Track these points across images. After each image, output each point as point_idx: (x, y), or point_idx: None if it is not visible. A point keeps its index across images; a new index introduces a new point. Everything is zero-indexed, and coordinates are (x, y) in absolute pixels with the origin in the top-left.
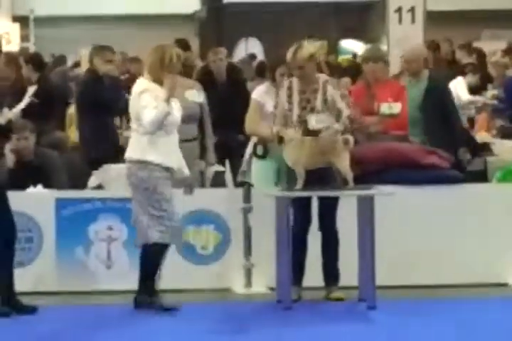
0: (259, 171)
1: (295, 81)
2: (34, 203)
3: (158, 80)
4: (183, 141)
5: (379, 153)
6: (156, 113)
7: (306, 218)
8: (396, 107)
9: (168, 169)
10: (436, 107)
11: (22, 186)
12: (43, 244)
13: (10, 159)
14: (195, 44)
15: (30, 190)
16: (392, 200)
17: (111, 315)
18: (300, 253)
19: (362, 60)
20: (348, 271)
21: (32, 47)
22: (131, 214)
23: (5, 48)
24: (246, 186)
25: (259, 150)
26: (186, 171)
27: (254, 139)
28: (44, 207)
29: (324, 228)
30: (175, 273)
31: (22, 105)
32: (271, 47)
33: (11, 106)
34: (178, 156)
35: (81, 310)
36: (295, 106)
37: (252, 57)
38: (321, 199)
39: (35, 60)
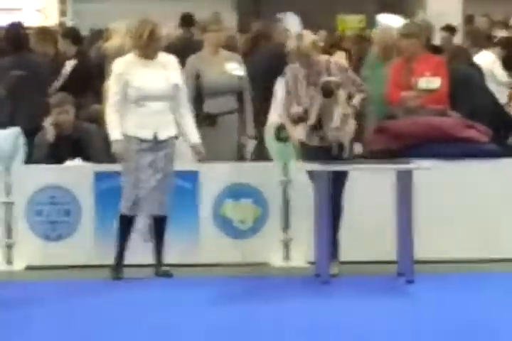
0: (280, 154)
1: (297, 67)
2: (72, 176)
3: (142, 55)
4: (222, 114)
5: (417, 127)
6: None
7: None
8: (434, 82)
9: (142, 140)
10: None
11: (61, 160)
12: (82, 217)
13: (50, 133)
14: (233, 18)
15: (69, 163)
16: (430, 174)
17: (148, 287)
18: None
19: (398, 36)
20: (387, 246)
21: (70, 22)
22: (177, 188)
23: (43, 23)
24: (285, 160)
25: (283, 134)
26: (193, 140)
27: (274, 122)
28: (82, 181)
29: (333, 203)
30: (213, 247)
31: (60, 80)
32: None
33: (50, 81)
34: (156, 126)
35: (117, 284)
36: (303, 88)
37: None
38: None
39: (73, 35)
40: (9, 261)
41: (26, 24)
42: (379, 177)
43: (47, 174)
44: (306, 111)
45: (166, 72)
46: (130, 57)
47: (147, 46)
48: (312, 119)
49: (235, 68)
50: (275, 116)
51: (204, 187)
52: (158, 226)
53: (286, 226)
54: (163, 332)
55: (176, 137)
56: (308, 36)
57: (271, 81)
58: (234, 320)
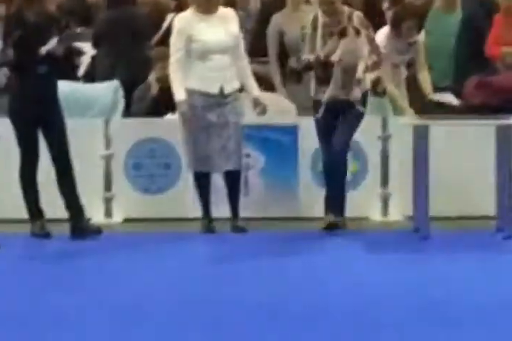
0: (376, 108)
1: (320, 14)
2: (173, 130)
3: (203, 10)
4: None
5: None
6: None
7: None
8: None
9: (207, 94)
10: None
11: (162, 113)
12: (181, 171)
13: (154, 87)
14: None
15: (170, 116)
16: None
17: (249, 242)
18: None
19: None
20: (485, 201)
21: None
22: (267, 142)
23: None
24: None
25: (380, 88)
26: (255, 92)
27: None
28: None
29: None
30: (313, 202)
31: (160, 33)
32: None
33: (150, 35)
34: (222, 80)
35: (219, 237)
36: (318, 37)
37: None
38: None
39: None
40: (108, 214)
41: None
42: (476, 132)
43: (147, 127)
44: (317, 58)
45: (226, 25)
46: (190, 12)
47: (208, 1)
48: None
49: None
50: None
51: (303, 141)
52: (232, 182)
53: (385, 181)
54: (258, 283)
55: (240, 90)
56: None
57: None
58: (331, 272)
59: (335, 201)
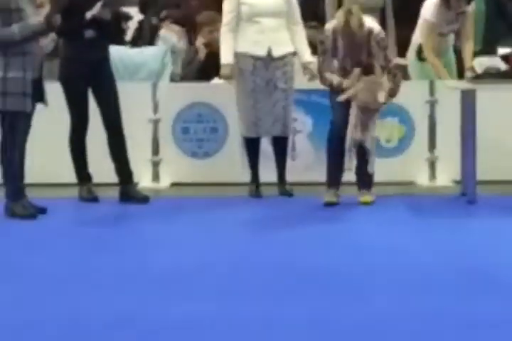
0: (420, 73)
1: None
2: (220, 94)
3: None
4: None
5: None
6: None
7: (345, 117)
8: None
9: (255, 57)
10: None
11: (209, 78)
12: (229, 135)
13: (202, 52)
14: None
15: (217, 81)
16: None
17: (296, 206)
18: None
19: None
20: None
21: None
22: (315, 106)
23: None
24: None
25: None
26: (306, 57)
27: (416, 42)
28: (229, 98)
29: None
30: None
31: None
32: None
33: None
34: (270, 43)
35: (266, 201)
36: (339, 53)
37: None
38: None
39: None
40: (156, 178)
41: None
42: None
43: (194, 92)
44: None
45: None
46: None
47: None
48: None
49: None
50: (419, 35)
51: None
52: (280, 147)
53: (432, 145)
54: (302, 247)
55: (295, 54)
56: (358, 15)
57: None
58: (377, 237)
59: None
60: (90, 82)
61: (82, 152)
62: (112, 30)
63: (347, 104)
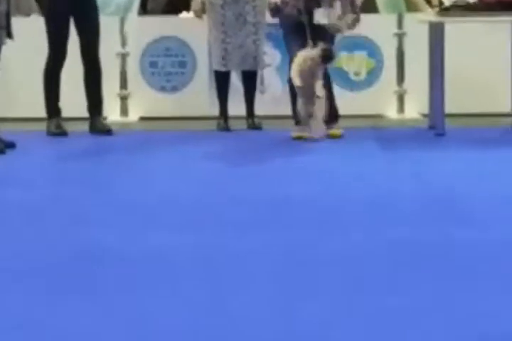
0: (390, 6)
1: None
2: (188, 28)
3: None
4: None
5: None
6: None
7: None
8: None
9: None
10: None
11: (177, 12)
12: (196, 69)
13: None
14: None
15: (184, 15)
16: None
17: (264, 139)
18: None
19: None
20: (501, 99)
21: None
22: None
23: None
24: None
25: None
26: None
27: None
28: (198, 32)
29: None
30: None
31: None
32: None
33: None
34: None
35: (235, 135)
36: None
37: None
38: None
39: None
40: (124, 112)
41: None
42: (491, 29)
43: (163, 25)
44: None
45: None
46: None
47: None
48: None
49: None
50: None
51: None
52: (249, 81)
53: (400, 78)
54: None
55: None
56: None
57: None
58: (344, 168)
59: None
60: (74, 12)
61: (56, 85)
62: None
63: (303, 34)
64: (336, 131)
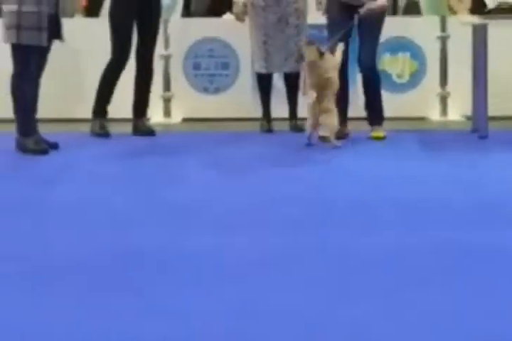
0: (431, 7)
1: None
2: (232, 30)
3: None
4: None
5: None
6: None
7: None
8: None
9: None
10: None
11: (220, 13)
12: (240, 71)
13: None
14: None
15: (227, 16)
16: None
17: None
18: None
19: None
20: None
21: None
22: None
23: None
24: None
25: None
26: None
27: None
28: (241, 33)
29: (363, 67)
30: None
31: None
32: None
33: None
34: None
35: (280, 136)
36: None
37: None
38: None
39: None
40: (167, 114)
41: None
42: None
43: (206, 27)
44: None
45: None
46: None
47: None
48: None
49: None
50: None
51: None
52: (291, 83)
53: (443, 81)
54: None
55: None
56: None
57: None
58: (389, 170)
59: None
60: (139, 16)
61: (112, 87)
62: None
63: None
64: (379, 132)
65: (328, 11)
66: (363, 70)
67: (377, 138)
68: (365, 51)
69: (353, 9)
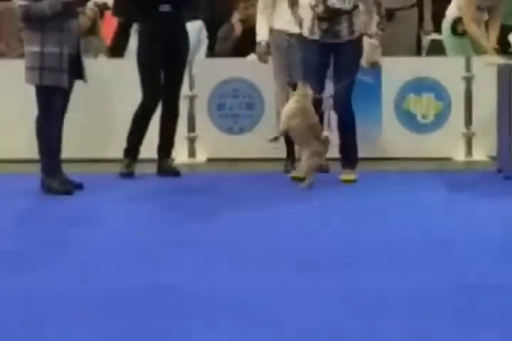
0: (455, 47)
1: None
2: (255, 70)
3: None
4: (401, 9)
5: None
6: None
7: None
8: None
9: (291, 34)
10: None
11: (245, 54)
12: (264, 111)
13: (238, 28)
14: None
15: (251, 57)
16: None
17: (332, 182)
18: None
19: None
20: None
21: None
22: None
23: None
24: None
25: (460, 29)
26: None
27: (451, 16)
28: (265, 74)
29: (338, 105)
30: (395, 142)
31: None
32: None
33: None
34: None
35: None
36: None
37: None
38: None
39: None
40: (192, 154)
41: None
42: None
43: (230, 67)
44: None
45: None
46: None
47: None
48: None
49: None
50: (454, 9)
51: (386, 81)
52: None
53: (468, 121)
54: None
55: None
56: None
57: None
58: (412, 211)
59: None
60: (167, 56)
61: (144, 129)
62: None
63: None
64: (349, 176)
65: (304, 50)
66: (337, 109)
67: (347, 182)
68: (340, 88)
69: (329, 49)
